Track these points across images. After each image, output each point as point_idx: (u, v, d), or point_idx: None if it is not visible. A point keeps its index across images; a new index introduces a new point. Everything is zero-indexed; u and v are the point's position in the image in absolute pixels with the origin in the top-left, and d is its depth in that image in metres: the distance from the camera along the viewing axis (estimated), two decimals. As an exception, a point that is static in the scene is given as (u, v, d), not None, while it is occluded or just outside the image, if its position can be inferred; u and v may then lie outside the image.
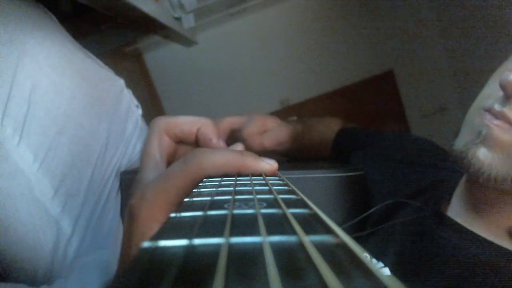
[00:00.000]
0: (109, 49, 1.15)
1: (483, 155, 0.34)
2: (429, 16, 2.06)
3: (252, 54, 2.09)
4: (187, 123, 0.33)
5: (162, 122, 0.33)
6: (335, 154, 0.75)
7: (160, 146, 0.33)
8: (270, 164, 0.26)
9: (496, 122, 0.33)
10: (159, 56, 2.02)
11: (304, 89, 2.13)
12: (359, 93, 2.11)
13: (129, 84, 0.72)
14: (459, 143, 0.37)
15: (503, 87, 0.33)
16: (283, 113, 2.08)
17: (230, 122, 0.58)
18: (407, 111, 2.17)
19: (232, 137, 0.59)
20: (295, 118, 0.51)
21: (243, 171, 0.25)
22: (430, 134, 0.68)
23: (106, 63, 0.69)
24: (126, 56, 1.80)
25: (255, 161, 0.25)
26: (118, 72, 0.70)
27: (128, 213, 0.28)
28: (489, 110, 0.34)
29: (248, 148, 0.57)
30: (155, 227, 0.26)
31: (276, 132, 0.63)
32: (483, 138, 0.34)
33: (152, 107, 1.94)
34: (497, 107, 0.34)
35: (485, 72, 0.41)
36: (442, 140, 0.64)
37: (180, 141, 0.35)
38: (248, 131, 0.59)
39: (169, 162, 0.34)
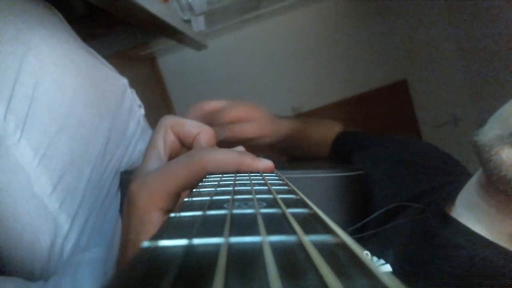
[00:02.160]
0: (124, 51, 1.18)
1: (507, 156, 0.33)
2: (444, 26, 2.04)
3: (265, 61, 2.10)
4: (190, 125, 0.35)
5: (169, 119, 0.35)
6: (335, 154, 0.74)
7: (165, 141, 0.34)
8: (267, 164, 0.28)
9: None
10: (173, 61, 2.04)
11: (316, 97, 2.13)
12: (372, 102, 2.11)
13: (142, 87, 0.73)
14: (485, 136, 0.35)
15: None
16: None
17: (211, 105, 0.58)
18: (420, 121, 2.16)
19: (211, 119, 0.57)
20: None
21: (242, 169, 0.28)
22: (443, 144, 0.67)
23: (120, 65, 0.69)
24: (140, 60, 1.83)
25: (252, 160, 0.28)
26: (133, 74, 0.71)
27: (127, 199, 0.29)
28: None
29: (227, 135, 0.56)
30: (153, 214, 0.27)
31: (260, 123, 0.61)
32: None
33: (164, 109, 1.97)
34: None
35: (500, 82, 0.39)
36: (455, 151, 0.63)
37: (180, 142, 0.36)
38: (228, 115, 0.58)
39: (171, 159, 0.34)
